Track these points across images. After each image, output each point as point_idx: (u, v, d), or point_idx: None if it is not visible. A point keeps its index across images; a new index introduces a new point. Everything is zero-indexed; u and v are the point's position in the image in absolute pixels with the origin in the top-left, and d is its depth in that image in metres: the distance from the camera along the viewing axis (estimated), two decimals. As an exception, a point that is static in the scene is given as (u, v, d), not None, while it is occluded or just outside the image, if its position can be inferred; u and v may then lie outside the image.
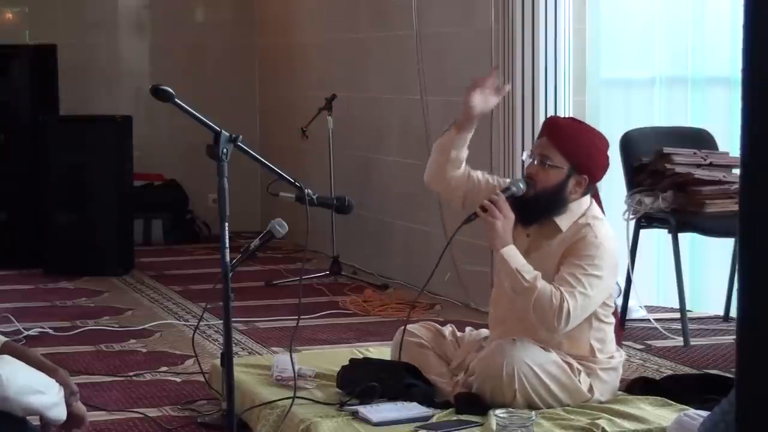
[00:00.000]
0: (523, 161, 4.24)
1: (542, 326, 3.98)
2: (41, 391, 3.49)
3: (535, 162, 4.11)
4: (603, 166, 4.16)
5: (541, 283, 3.94)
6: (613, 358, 4.18)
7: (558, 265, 4.04)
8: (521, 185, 4.09)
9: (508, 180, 4.31)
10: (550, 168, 4.08)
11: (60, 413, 3.52)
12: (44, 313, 6.54)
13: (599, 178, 4.18)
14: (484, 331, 4.36)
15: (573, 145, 4.10)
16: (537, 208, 4.10)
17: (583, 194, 4.13)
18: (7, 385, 3.41)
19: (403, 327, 4.40)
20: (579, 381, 4.07)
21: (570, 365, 4.07)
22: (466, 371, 4.14)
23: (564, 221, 4.10)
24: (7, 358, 3.54)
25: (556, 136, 4.11)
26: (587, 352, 4.13)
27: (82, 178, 7.78)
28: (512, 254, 3.99)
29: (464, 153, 4.29)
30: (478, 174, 4.32)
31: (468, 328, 4.50)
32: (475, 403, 4.01)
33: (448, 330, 4.42)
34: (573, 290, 3.95)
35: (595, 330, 4.12)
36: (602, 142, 4.22)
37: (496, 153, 6.31)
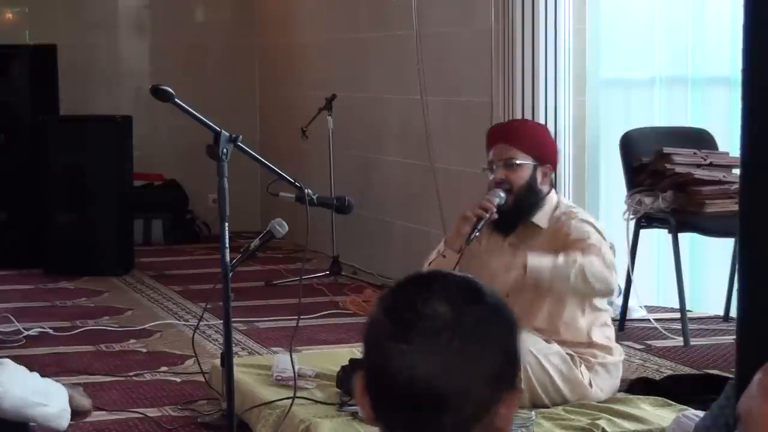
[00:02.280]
0: (491, 177, 4.23)
1: (605, 290, 4.03)
2: (42, 404, 3.47)
3: (501, 168, 4.19)
4: (556, 149, 4.36)
5: (576, 255, 3.96)
6: (612, 354, 4.20)
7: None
8: (501, 194, 4.15)
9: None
10: (517, 167, 4.17)
11: (61, 425, 3.50)
12: (44, 313, 6.54)
13: (557, 162, 4.35)
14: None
15: (529, 140, 4.23)
16: (517, 212, 4.18)
17: (550, 184, 4.25)
18: (2, 398, 3.39)
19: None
20: (581, 373, 4.09)
21: (571, 357, 4.09)
22: None
23: (542, 218, 4.19)
24: (9, 365, 3.52)
25: (510, 137, 4.23)
26: (584, 338, 4.17)
27: (82, 178, 7.78)
28: (536, 263, 3.98)
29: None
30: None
31: None
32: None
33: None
34: (597, 243, 4.03)
35: (588, 314, 4.16)
36: (546, 130, 4.45)
37: (496, 153, 6.31)
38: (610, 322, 4.30)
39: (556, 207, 4.21)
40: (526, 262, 3.97)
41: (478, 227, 4.10)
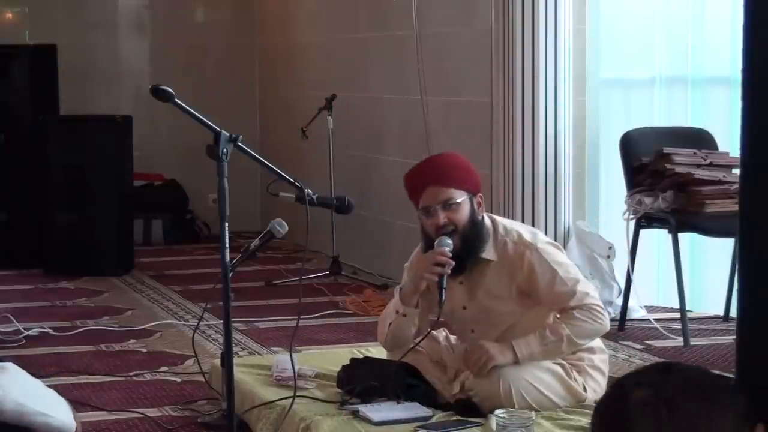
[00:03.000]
0: (428, 221, 4.14)
1: (598, 335, 4.10)
2: (43, 413, 3.46)
3: (439, 211, 4.09)
4: (477, 174, 4.22)
5: (561, 330, 3.98)
6: (595, 353, 4.18)
7: (510, 287, 4.07)
8: (448, 240, 4.07)
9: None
10: (457, 206, 4.08)
11: None
12: (44, 313, 6.54)
13: (481, 185, 4.22)
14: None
15: (457, 175, 4.13)
16: (467, 252, 4.09)
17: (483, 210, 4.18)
18: (1, 400, 3.39)
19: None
20: (575, 380, 4.09)
21: (562, 366, 4.08)
22: (462, 388, 4.13)
23: (489, 252, 4.13)
24: (10, 369, 3.51)
25: (441, 178, 4.12)
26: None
27: (82, 178, 7.78)
28: (527, 353, 4.00)
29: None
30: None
31: None
32: (475, 410, 4.01)
33: (441, 335, 4.41)
34: (576, 291, 4.00)
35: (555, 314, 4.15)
36: (460, 157, 4.29)
37: (495, 153, 6.31)
38: None
39: (495, 231, 4.15)
40: (516, 353, 3.98)
41: (444, 286, 4.03)
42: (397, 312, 4.20)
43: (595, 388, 4.13)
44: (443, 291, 4.03)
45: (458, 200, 4.07)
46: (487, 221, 4.17)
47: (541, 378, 4.02)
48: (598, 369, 4.17)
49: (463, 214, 4.08)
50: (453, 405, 4.08)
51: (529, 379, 4.00)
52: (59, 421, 3.50)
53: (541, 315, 4.12)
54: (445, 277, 4.02)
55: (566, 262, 4.11)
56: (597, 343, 4.21)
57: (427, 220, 4.13)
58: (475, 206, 4.12)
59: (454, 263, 4.02)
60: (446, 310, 4.13)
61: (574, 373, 4.10)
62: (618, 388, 1.74)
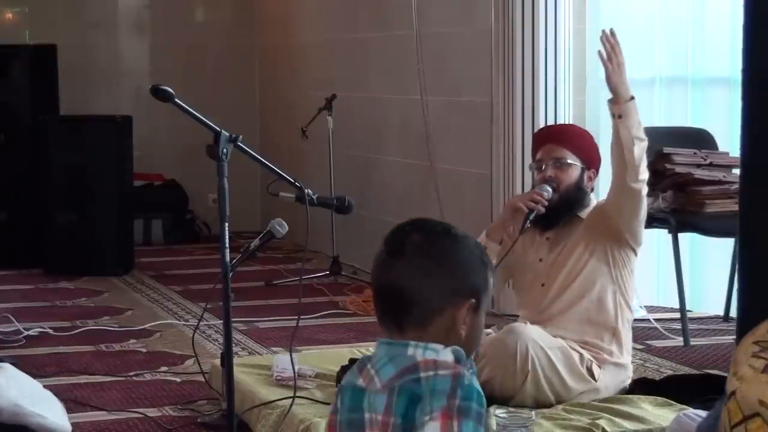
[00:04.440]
0: (537, 175, 4.33)
1: (639, 172, 4.11)
2: (39, 414, 3.47)
3: (550, 166, 4.27)
4: (598, 153, 4.39)
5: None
6: (623, 355, 4.25)
7: (587, 243, 4.22)
8: (548, 188, 4.23)
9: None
10: (567, 167, 4.26)
11: None
12: (44, 313, 6.54)
13: (599, 169, 4.40)
14: (487, 332, 4.36)
15: (579, 144, 4.32)
16: (562, 209, 4.27)
17: (591, 189, 4.36)
18: None
19: None
20: (589, 369, 4.14)
21: (580, 356, 4.13)
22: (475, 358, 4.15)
23: (584, 213, 4.32)
24: (8, 369, 3.52)
25: (562, 138, 4.31)
26: (611, 323, 4.28)
27: (82, 178, 7.78)
28: (634, 107, 4.11)
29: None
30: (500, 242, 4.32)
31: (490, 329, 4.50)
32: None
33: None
34: None
35: (617, 297, 4.29)
36: (592, 137, 4.49)
37: (496, 153, 6.31)
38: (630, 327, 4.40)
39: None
40: (628, 95, 4.09)
41: (530, 218, 4.20)
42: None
43: (608, 385, 4.18)
44: (528, 221, 4.18)
45: (569, 161, 4.24)
46: (593, 198, 4.36)
47: (554, 350, 4.11)
48: (619, 369, 4.23)
49: (571, 175, 4.26)
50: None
51: (544, 346, 4.08)
52: (55, 423, 3.50)
53: (596, 273, 4.23)
54: (533, 213, 4.17)
55: None
56: (631, 347, 4.38)
57: (537, 174, 4.31)
58: (585, 178, 4.28)
59: (544, 209, 4.17)
60: (522, 262, 4.28)
61: (593, 365, 4.15)
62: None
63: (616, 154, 4.10)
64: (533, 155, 4.39)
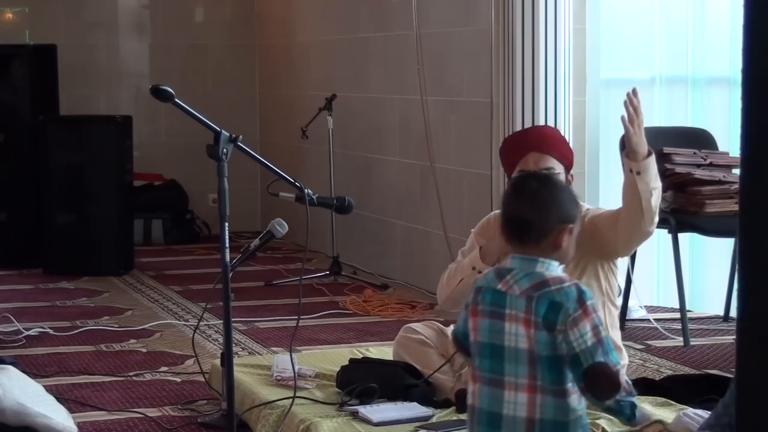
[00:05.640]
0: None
1: (655, 216, 4.02)
2: (44, 414, 3.47)
3: None
4: (573, 152, 4.30)
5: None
6: (622, 359, 4.21)
7: (578, 262, 4.10)
8: None
9: None
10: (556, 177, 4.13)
11: None
12: (44, 313, 6.54)
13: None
14: None
15: (561, 149, 4.21)
16: None
17: None
18: (1, 399, 3.39)
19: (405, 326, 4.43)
20: None
21: None
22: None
23: None
24: (11, 370, 3.52)
25: (547, 146, 4.18)
26: None
27: (82, 178, 7.78)
28: (652, 162, 3.97)
29: None
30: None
31: None
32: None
33: (449, 329, 4.42)
34: None
35: (606, 309, 4.18)
36: (560, 132, 4.46)
37: (495, 153, 6.31)
38: (618, 331, 4.33)
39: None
40: (646, 151, 3.95)
41: None
42: (473, 268, 4.18)
43: None
44: None
45: (557, 170, 4.13)
46: None
47: None
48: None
49: None
50: (455, 394, 4.08)
51: None
52: (61, 424, 3.50)
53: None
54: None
55: None
56: (623, 348, 4.25)
57: None
58: (566, 182, 4.17)
59: None
60: None
61: None
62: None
63: (632, 206, 3.99)
64: (512, 164, 4.22)
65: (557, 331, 2.66)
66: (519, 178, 3.02)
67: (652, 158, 3.98)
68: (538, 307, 2.68)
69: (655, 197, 4.00)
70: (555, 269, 2.78)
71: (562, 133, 6.04)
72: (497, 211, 4.33)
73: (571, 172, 4.22)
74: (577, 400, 2.71)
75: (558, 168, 4.14)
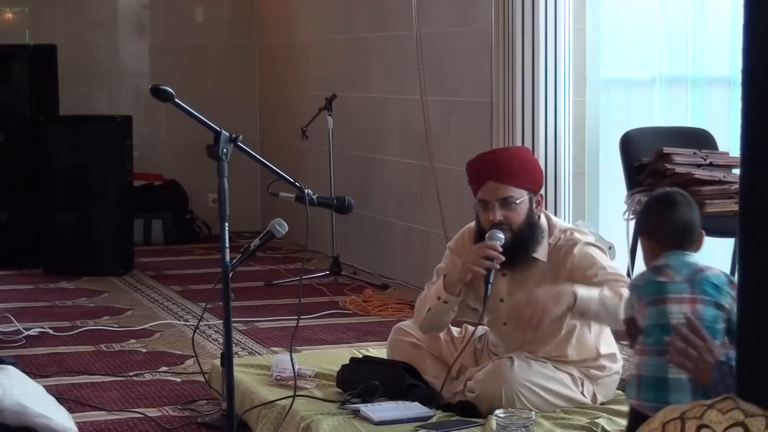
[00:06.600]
0: (489, 216, 4.05)
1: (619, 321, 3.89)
2: (44, 415, 3.47)
3: (497, 207, 4.02)
4: (541, 172, 4.18)
5: (620, 289, 3.82)
6: (616, 362, 4.20)
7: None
8: (500, 234, 4.00)
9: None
10: (515, 206, 4.03)
11: None
12: (44, 313, 6.54)
13: (543, 181, 4.19)
14: (480, 330, 4.31)
15: (521, 175, 4.06)
16: (518, 250, 4.04)
17: (540, 207, 4.13)
18: (1, 399, 3.39)
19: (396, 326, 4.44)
20: (582, 392, 4.09)
21: (572, 376, 4.08)
22: (465, 385, 4.12)
23: (542, 252, 4.09)
24: (11, 370, 3.52)
25: (505, 175, 4.04)
26: (593, 353, 4.14)
27: (82, 178, 7.78)
28: (585, 295, 3.84)
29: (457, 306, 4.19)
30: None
31: (461, 327, 4.47)
32: (475, 410, 4.01)
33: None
34: (616, 274, 3.99)
35: (594, 327, 4.13)
36: (528, 153, 4.27)
37: (496, 153, 6.30)
38: (611, 335, 4.29)
39: (550, 232, 4.10)
40: (575, 292, 3.82)
41: (491, 281, 3.98)
42: (438, 298, 4.13)
43: (606, 395, 4.15)
44: (489, 286, 3.98)
45: (517, 200, 4.01)
46: (543, 221, 4.11)
47: (544, 385, 4.01)
48: (613, 379, 4.18)
49: (521, 213, 4.03)
50: (453, 406, 4.08)
51: (531, 385, 3.99)
52: (61, 425, 3.50)
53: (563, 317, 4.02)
54: (492, 272, 3.96)
55: (609, 264, 4.05)
56: (616, 348, 4.22)
57: (483, 213, 4.06)
58: (534, 205, 4.06)
59: (503, 258, 3.96)
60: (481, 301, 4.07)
61: (584, 386, 4.09)
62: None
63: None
64: (474, 190, 4.11)
65: (721, 306, 3.16)
66: (662, 194, 3.40)
67: (580, 299, 3.81)
68: (702, 286, 3.18)
69: (607, 312, 3.83)
70: (700, 260, 3.33)
71: (564, 133, 6.06)
72: (471, 224, 4.27)
73: (539, 194, 4.09)
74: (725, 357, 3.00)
75: (517, 195, 4.01)
